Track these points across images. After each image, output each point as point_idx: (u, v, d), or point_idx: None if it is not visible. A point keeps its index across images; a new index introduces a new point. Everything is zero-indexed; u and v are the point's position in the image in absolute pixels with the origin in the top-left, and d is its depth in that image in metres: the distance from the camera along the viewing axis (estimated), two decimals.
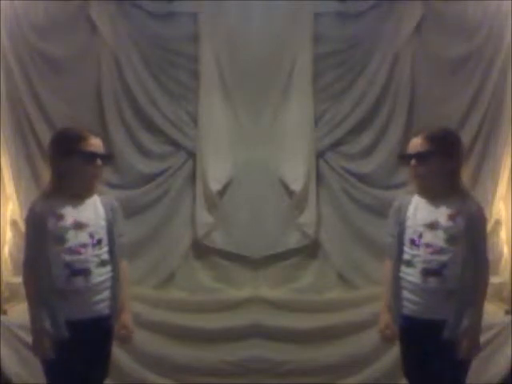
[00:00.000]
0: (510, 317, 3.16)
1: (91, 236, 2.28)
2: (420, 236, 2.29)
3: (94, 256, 2.28)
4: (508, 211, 3.33)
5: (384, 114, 3.34)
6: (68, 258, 2.24)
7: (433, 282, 2.25)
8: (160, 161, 3.37)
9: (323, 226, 3.39)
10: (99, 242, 2.30)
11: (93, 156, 2.28)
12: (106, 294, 2.32)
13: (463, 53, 3.29)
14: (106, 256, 2.32)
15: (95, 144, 2.30)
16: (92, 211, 2.32)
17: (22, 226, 3.27)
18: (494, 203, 3.31)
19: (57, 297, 2.24)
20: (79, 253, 2.25)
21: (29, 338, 3.04)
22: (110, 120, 3.30)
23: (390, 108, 3.33)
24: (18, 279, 3.20)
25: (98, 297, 2.30)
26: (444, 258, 2.25)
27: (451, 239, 2.26)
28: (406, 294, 2.32)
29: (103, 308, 2.32)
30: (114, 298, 2.34)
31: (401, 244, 2.35)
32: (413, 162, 2.29)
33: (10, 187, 3.28)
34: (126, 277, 2.44)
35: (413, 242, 2.31)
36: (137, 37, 3.30)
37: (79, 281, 2.25)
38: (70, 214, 2.27)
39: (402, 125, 3.31)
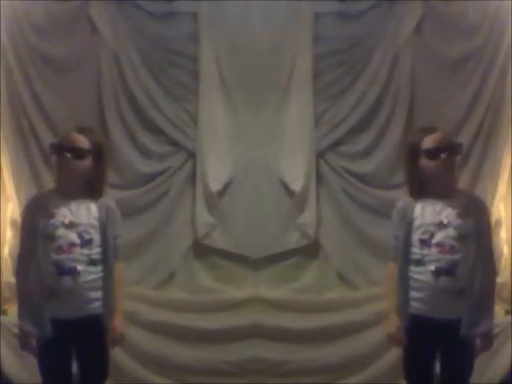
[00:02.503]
0: (509, 317, 3.16)
1: (80, 236, 2.27)
2: (431, 236, 2.28)
3: (83, 255, 2.27)
4: (508, 211, 3.33)
5: (384, 114, 3.34)
6: (56, 256, 2.24)
7: (444, 280, 2.25)
8: (160, 161, 3.37)
9: (323, 226, 3.39)
10: (89, 241, 2.28)
11: (54, 147, 2.28)
12: (98, 293, 2.30)
13: (463, 53, 3.29)
14: (97, 256, 2.30)
15: (68, 137, 2.28)
16: (84, 211, 2.31)
17: None
18: (494, 203, 3.31)
19: (46, 295, 2.23)
20: (67, 252, 2.25)
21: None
22: (110, 120, 3.30)
23: (389, 108, 3.33)
24: None
25: (89, 296, 2.28)
26: (456, 256, 2.26)
27: (462, 237, 2.26)
28: (414, 293, 2.31)
29: (95, 308, 2.30)
30: (107, 298, 2.31)
31: (408, 245, 2.32)
32: (444, 154, 2.26)
33: (10, 187, 3.28)
34: (121, 279, 2.41)
35: (423, 241, 2.29)
36: (137, 37, 3.30)
37: (67, 280, 2.24)
38: (62, 212, 2.27)
39: (402, 125, 3.31)
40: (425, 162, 2.29)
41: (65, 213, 2.27)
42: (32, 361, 3.07)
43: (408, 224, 2.33)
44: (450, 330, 2.26)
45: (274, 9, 3.31)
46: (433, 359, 2.35)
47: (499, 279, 3.25)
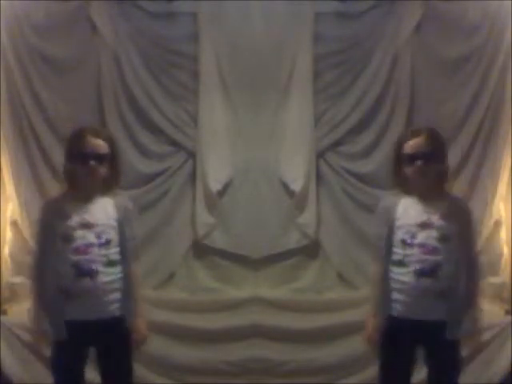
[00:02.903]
0: (509, 317, 3.16)
1: (98, 236, 2.25)
2: (413, 236, 2.26)
3: (102, 256, 2.25)
4: (508, 211, 3.33)
5: (384, 113, 3.34)
6: (74, 257, 2.22)
7: (426, 282, 2.23)
8: (160, 161, 3.37)
9: (323, 225, 3.39)
10: (107, 242, 2.26)
11: (80, 156, 2.24)
12: (117, 295, 2.27)
13: (463, 53, 3.29)
14: (115, 256, 2.28)
15: (90, 143, 2.25)
16: (102, 211, 2.29)
17: (22, 226, 3.27)
18: (494, 203, 3.31)
19: (64, 297, 2.21)
20: (85, 253, 2.22)
21: (29, 338, 3.07)
22: (110, 120, 3.29)
23: (389, 108, 3.33)
24: (18, 279, 3.22)
25: (108, 297, 2.25)
26: (438, 257, 2.23)
27: (444, 238, 2.24)
28: (396, 295, 2.28)
29: (114, 310, 2.27)
30: (126, 299, 2.29)
31: (390, 245, 2.31)
32: (419, 162, 2.24)
33: (10, 187, 3.28)
34: (138, 279, 2.39)
35: (405, 242, 2.27)
36: (137, 37, 3.30)
37: (86, 281, 2.22)
38: (78, 213, 2.26)
39: (402, 125, 3.30)
40: (404, 166, 2.29)
41: (81, 214, 2.26)
42: (32, 361, 3.09)
43: (390, 224, 2.32)
44: (431, 331, 2.23)
45: (274, 9, 3.31)
46: (411, 361, 2.33)
47: (499, 279, 3.27)
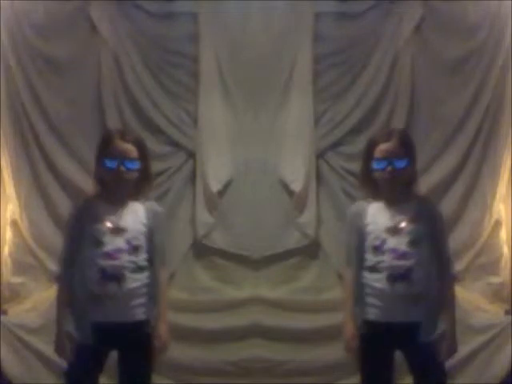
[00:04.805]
0: (509, 317, 3.16)
1: (128, 242, 2.23)
2: (384, 242, 2.24)
3: (130, 262, 2.22)
4: (508, 211, 3.32)
5: (384, 114, 3.33)
6: (103, 262, 2.19)
7: (400, 287, 2.21)
8: (160, 161, 3.36)
9: (323, 225, 3.38)
10: (136, 248, 2.24)
11: (109, 161, 2.22)
12: (143, 299, 2.24)
13: (463, 53, 3.29)
14: (143, 262, 2.25)
15: (118, 148, 2.23)
16: (132, 216, 2.27)
17: (22, 226, 3.27)
18: (494, 203, 3.31)
19: (89, 300, 2.20)
20: (114, 258, 2.20)
21: (29, 338, 3.08)
22: (110, 120, 3.29)
23: (389, 108, 3.33)
24: (18, 279, 3.23)
25: (134, 302, 2.22)
26: (409, 262, 2.21)
27: (414, 242, 2.22)
28: (371, 300, 2.26)
29: (139, 314, 2.24)
30: (151, 304, 2.26)
31: (362, 251, 2.29)
32: (389, 167, 2.23)
33: (9, 187, 3.28)
34: (165, 285, 2.37)
35: (376, 248, 2.25)
36: (137, 37, 3.31)
37: (113, 286, 2.19)
38: (109, 218, 2.23)
39: (402, 125, 3.30)
40: (374, 170, 2.27)
41: (112, 218, 2.24)
42: (32, 361, 3.10)
43: (361, 230, 2.30)
44: (407, 334, 2.22)
45: (274, 9, 3.32)
46: (391, 365, 2.31)
47: (499, 279, 3.27)
